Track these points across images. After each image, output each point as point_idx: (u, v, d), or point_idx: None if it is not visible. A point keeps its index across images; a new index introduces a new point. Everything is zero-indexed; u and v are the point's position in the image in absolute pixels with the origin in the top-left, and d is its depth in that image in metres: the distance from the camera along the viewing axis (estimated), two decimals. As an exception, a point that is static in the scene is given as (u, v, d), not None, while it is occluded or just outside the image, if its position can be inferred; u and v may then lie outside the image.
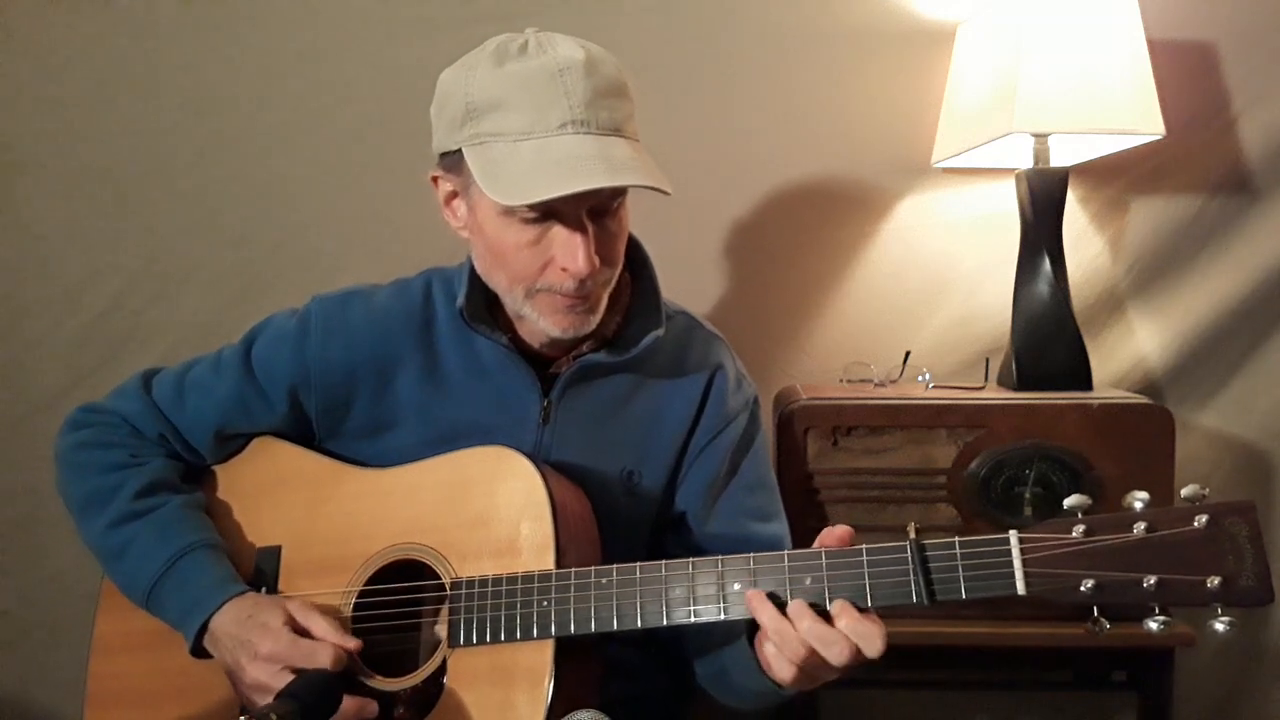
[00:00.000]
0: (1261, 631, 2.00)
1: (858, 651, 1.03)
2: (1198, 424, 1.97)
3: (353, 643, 1.20)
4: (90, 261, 2.02)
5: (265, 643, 1.18)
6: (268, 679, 1.17)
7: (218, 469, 1.41)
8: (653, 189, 1.14)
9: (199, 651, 1.25)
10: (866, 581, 1.06)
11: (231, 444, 1.41)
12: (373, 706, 1.17)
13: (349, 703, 1.15)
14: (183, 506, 1.33)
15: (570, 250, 1.17)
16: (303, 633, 1.20)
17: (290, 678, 1.14)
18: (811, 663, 1.05)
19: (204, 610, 1.24)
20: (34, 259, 2.02)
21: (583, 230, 1.17)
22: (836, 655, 1.03)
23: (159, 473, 1.35)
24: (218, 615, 1.23)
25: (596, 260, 1.18)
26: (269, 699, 1.13)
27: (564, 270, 1.18)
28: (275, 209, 2.01)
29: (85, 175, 2.01)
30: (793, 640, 1.05)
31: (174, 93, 1.99)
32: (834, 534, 1.10)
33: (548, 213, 1.16)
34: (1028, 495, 1.64)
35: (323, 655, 1.17)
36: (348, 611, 1.25)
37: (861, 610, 1.05)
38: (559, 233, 1.18)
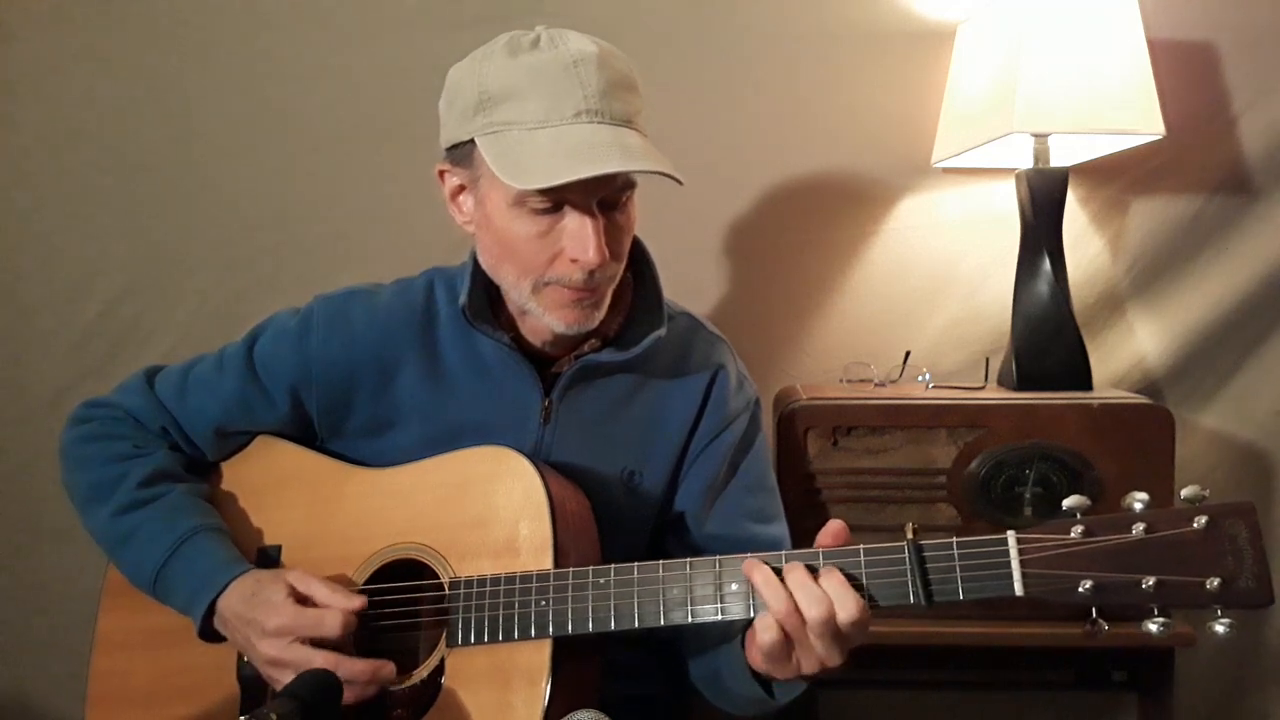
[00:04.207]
0: (1261, 631, 2.00)
1: (833, 614, 1.03)
2: (1198, 424, 1.97)
3: (357, 601, 1.19)
4: (90, 261, 2.02)
5: (271, 618, 1.18)
6: (278, 653, 1.17)
7: (220, 468, 1.42)
8: (668, 176, 1.15)
9: (208, 634, 1.26)
10: (864, 582, 1.06)
11: (232, 441, 1.41)
12: (389, 668, 1.17)
13: (364, 665, 1.15)
14: (186, 494, 1.33)
15: (581, 241, 1.17)
16: (306, 601, 1.20)
17: (300, 649, 1.16)
18: (793, 627, 1.05)
19: (210, 591, 1.24)
20: (34, 259, 2.02)
21: (593, 221, 1.17)
22: (816, 612, 1.03)
23: (162, 462, 1.35)
24: (224, 596, 1.23)
25: (606, 252, 1.18)
26: (285, 673, 1.15)
27: (573, 261, 1.19)
28: (276, 208, 2.01)
29: (86, 175, 2.01)
30: (782, 596, 1.05)
31: (175, 92, 1.99)
32: (829, 531, 1.11)
33: (558, 203, 1.17)
34: (1028, 495, 1.64)
35: (330, 620, 1.17)
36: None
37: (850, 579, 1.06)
38: (569, 224, 1.18)
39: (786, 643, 1.07)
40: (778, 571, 1.08)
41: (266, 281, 2.01)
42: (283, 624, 1.18)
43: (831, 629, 1.04)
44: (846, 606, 1.04)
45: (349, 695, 1.14)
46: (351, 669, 1.15)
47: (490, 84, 1.17)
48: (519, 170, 1.14)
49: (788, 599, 1.05)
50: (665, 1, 1.94)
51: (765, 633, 1.07)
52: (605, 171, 1.12)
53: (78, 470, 1.38)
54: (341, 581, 1.26)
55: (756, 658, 1.12)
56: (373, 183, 1.99)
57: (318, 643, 1.18)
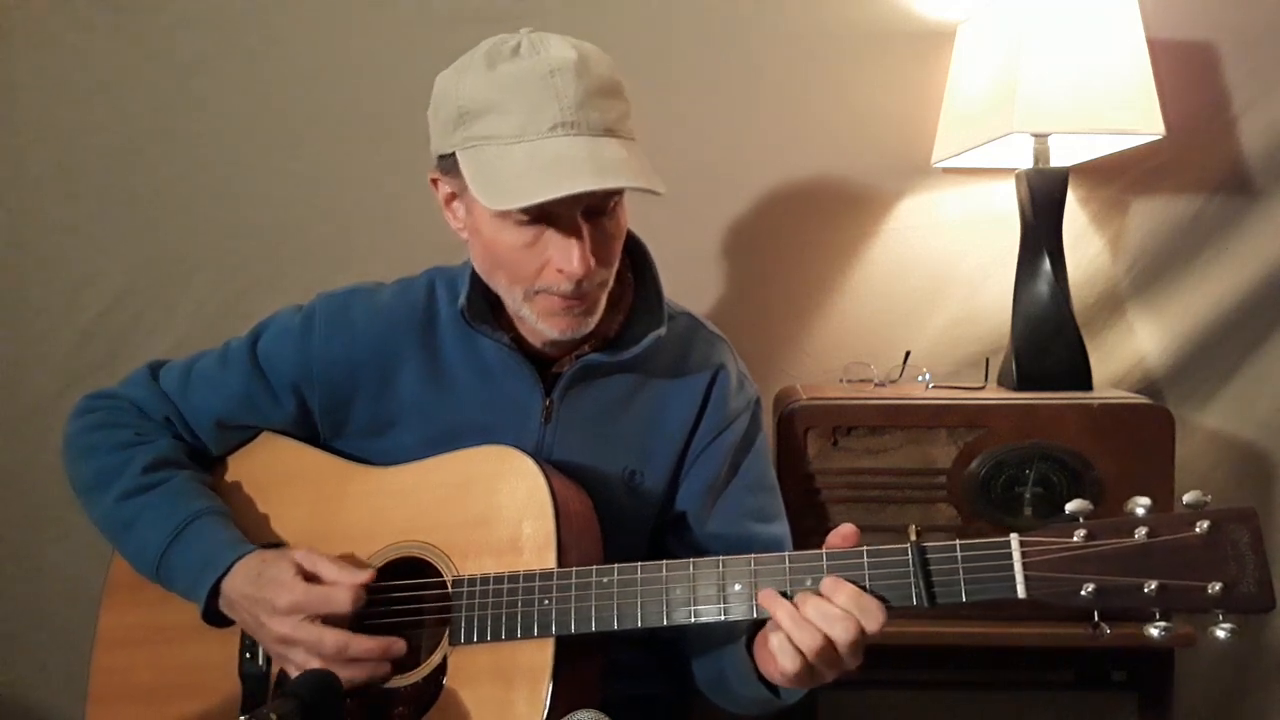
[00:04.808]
0: (1262, 634, 2.00)
1: (861, 629, 1.04)
2: (1198, 424, 1.97)
3: (364, 575, 1.20)
4: (90, 261, 2.02)
5: (282, 596, 1.18)
6: (290, 631, 1.18)
7: (224, 464, 1.42)
8: (644, 190, 1.14)
9: (212, 616, 1.26)
10: (867, 584, 1.06)
11: (235, 435, 1.41)
12: (400, 644, 1.18)
13: (375, 643, 1.16)
14: (189, 479, 1.34)
15: (565, 252, 1.17)
16: (313, 579, 1.21)
17: (311, 627, 1.17)
18: (820, 652, 1.05)
19: (214, 571, 1.24)
20: (34, 258, 2.02)
21: (577, 232, 1.17)
22: (842, 632, 1.03)
23: (166, 450, 1.36)
24: (229, 577, 1.23)
25: (592, 261, 1.18)
26: (296, 651, 1.16)
27: (560, 272, 1.19)
28: (277, 208, 2.01)
29: (86, 174, 2.01)
30: (804, 627, 1.05)
31: (175, 92, 1.99)
32: (839, 533, 1.11)
33: (542, 215, 1.17)
34: (1028, 495, 1.64)
35: (340, 596, 1.18)
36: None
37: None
38: (554, 235, 1.18)
39: (813, 668, 1.07)
40: (784, 594, 1.08)
41: (267, 282, 2.01)
42: (294, 601, 1.18)
43: (861, 643, 1.05)
44: (872, 616, 1.04)
45: (361, 674, 1.16)
46: (362, 646, 1.16)
47: (467, 98, 1.17)
48: (494, 189, 1.14)
49: (818, 633, 1.04)
50: (665, 2, 1.94)
51: (790, 664, 1.06)
52: (573, 192, 1.11)
53: (81, 459, 1.38)
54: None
55: (775, 675, 1.12)
56: (374, 182, 1.99)
57: (328, 620, 1.18)
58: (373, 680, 1.19)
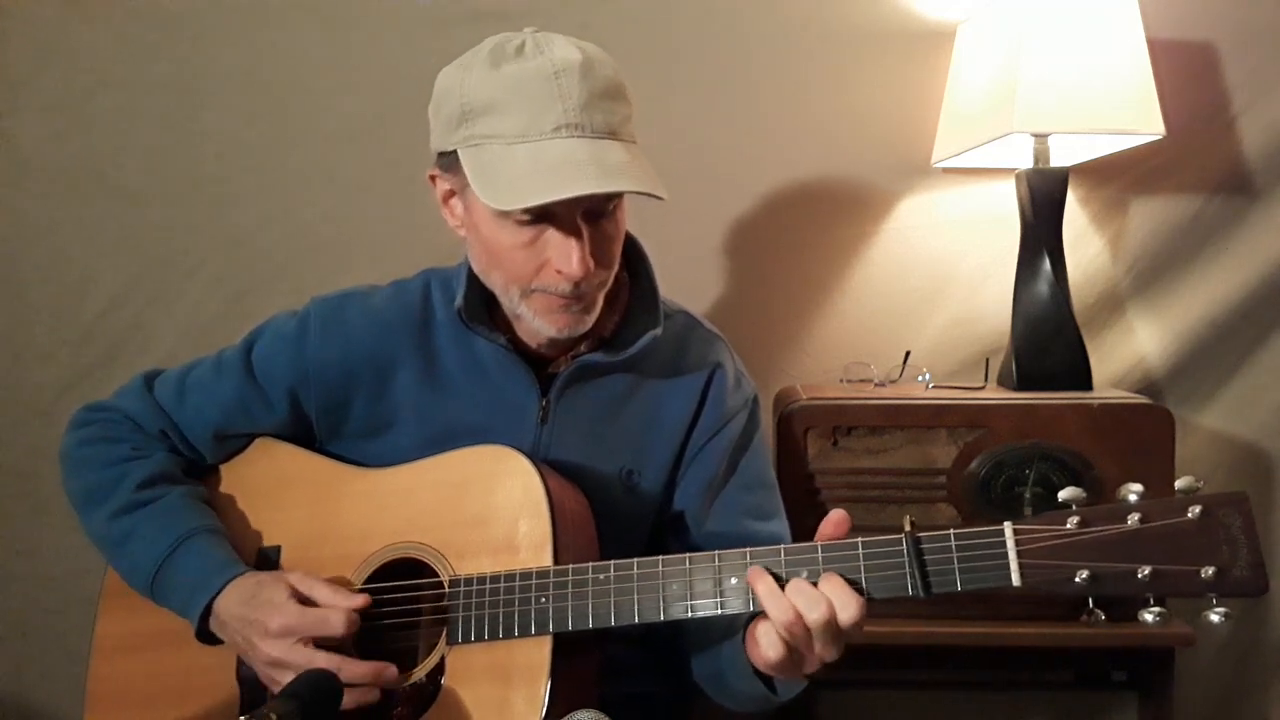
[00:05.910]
0: (1261, 631, 1.99)
1: (834, 616, 1.04)
2: (1198, 424, 1.97)
3: (359, 599, 1.20)
4: (90, 261, 2.02)
5: (275, 618, 1.18)
6: (282, 654, 1.17)
7: (220, 470, 1.42)
8: (646, 194, 1.14)
9: (205, 635, 1.26)
10: (863, 575, 1.06)
11: (231, 444, 1.41)
12: (392, 670, 1.17)
13: (367, 667, 1.15)
14: (184, 496, 1.33)
15: (565, 253, 1.17)
16: (307, 602, 1.20)
17: (304, 650, 1.16)
18: (797, 635, 1.05)
19: (207, 592, 1.24)
20: (34, 259, 2.02)
21: (577, 233, 1.17)
22: (817, 616, 1.03)
23: (161, 465, 1.35)
24: (221, 598, 1.23)
25: (591, 263, 1.18)
26: (286, 674, 1.14)
27: (559, 273, 1.19)
28: (276, 209, 2.01)
29: (86, 175, 2.01)
30: (785, 607, 1.05)
31: (175, 93, 2.00)
32: (830, 521, 1.11)
33: (542, 215, 1.17)
34: (1028, 495, 1.64)
35: (334, 620, 1.18)
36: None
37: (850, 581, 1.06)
38: (554, 235, 1.18)
39: (792, 652, 1.07)
40: (778, 578, 1.08)
41: (267, 282, 2.01)
42: (287, 624, 1.18)
43: (833, 630, 1.05)
44: (847, 607, 1.04)
45: (350, 700, 1.14)
46: (354, 671, 1.15)
47: (471, 96, 1.17)
48: (496, 190, 1.14)
49: (790, 608, 1.05)
50: (665, 1, 1.94)
51: (771, 649, 1.07)
52: (578, 194, 1.11)
53: (77, 473, 1.38)
54: (340, 583, 1.26)
55: (761, 663, 1.12)
56: (371, 184, 1.99)
57: (320, 643, 1.18)
58: (362, 706, 1.18)
